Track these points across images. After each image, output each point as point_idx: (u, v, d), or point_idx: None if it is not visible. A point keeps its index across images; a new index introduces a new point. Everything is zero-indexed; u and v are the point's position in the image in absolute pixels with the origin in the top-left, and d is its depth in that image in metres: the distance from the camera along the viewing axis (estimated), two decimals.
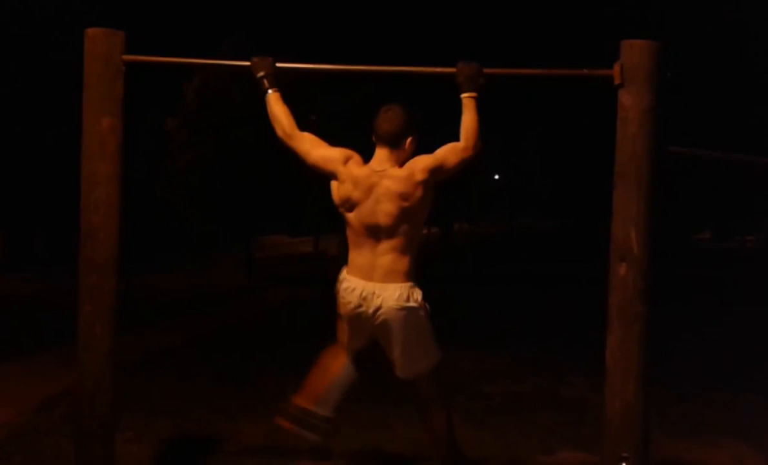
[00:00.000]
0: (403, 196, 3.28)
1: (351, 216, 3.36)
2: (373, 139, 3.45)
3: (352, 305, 3.34)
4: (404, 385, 6.75)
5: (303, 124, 3.54)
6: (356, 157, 3.42)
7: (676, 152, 3.55)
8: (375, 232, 3.31)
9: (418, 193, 3.29)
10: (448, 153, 3.35)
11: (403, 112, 3.46)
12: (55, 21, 19.38)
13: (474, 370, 7.27)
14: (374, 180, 3.33)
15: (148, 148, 19.61)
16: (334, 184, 3.41)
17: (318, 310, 12.22)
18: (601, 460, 3.32)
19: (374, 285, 3.28)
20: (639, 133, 3.23)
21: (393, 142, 3.40)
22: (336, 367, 3.65)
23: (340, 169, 3.37)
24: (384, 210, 3.28)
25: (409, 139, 3.44)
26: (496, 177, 43.52)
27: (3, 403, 5.90)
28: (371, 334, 3.41)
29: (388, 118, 3.42)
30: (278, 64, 3.44)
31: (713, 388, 6.58)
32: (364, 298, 3.30)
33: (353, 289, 3.34)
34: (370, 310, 3.28)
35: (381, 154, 3.41)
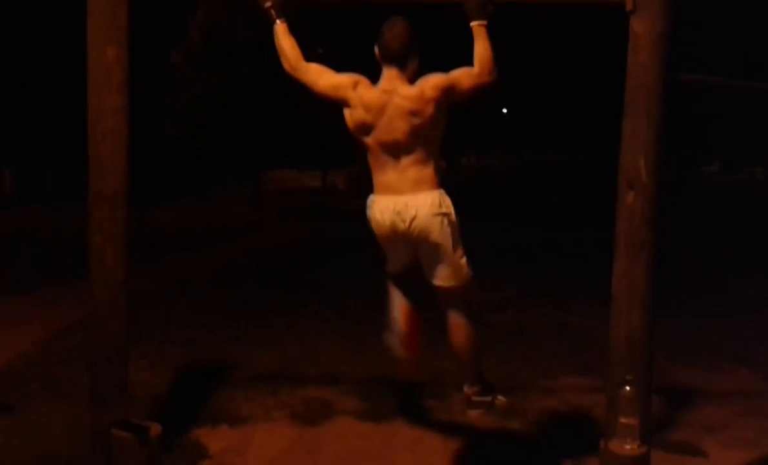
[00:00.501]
0: (414, 114, 3.24)
1: (368, 139, 3.33)
2: (379, 58, 3.36)
3: (387, 223, 3.33)
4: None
5: (310, 57, 3.49)
6: (364, 81, 3.36)
7: (689, 80, 3.53)
8: (394, 150, 3.30)
9: (429, 110, 3.25)
10: (463, 76, 3.29)
11: (408, 27, 3.33)
12: None
13: (480, 300, 7.30)
14: (385, 100, 3.28)
15: (152, 82, 19.50)
16: (346, 111, 3.37)
17: (326, 243, 12.36)
18: (605, 385, 3.38)
19: (406, 197, 3.28)
20: (650, 60, 3.18)
21: (401, 61, 3.31)
22: (402, 316, 3.60)
23: (350, 95, 3.33)
24: (398, 128, 3.26)
25: (416, 56, 3.35)
26: (504, 110, 43.10)
27: (18, 333, 6.03)
28: (411, 249, 3.42)
29: (395, 36, 3.30)
30: None
31: (717, 316, 6.66)
32: (399, 212, 3.29)
33: (385, 207, 3.32)
34: (407, 222, 3.28)
35: (389, 73, 3.32)
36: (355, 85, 3.33)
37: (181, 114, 17.46)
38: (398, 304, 3.60)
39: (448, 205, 3.31)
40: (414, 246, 3.37)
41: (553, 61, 30.82)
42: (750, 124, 22.23)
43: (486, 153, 48.98)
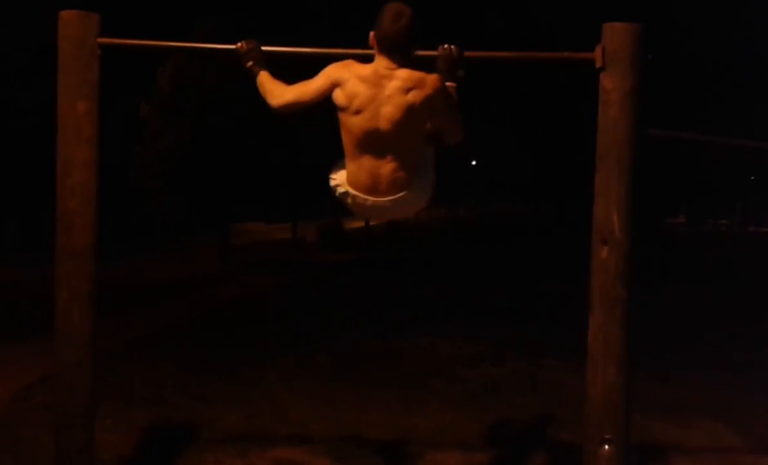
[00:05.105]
0: (410, 103, 2.96)
1: (354, 120, 3.02)
2: (374, 44, 3.06)
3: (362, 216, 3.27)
4: (385, 368, 6.74)
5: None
6: (356, 62, 3.09)
7: (656, 135, 3.56)
8: (376, 142, 3.02)
9: (424, 107, 2.97)
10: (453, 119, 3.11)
11: (413, 18, 3.03)
12: (28, 2, 19.00)
13: (452, 355, 7.30)
14: (379, 79, 2.99)
15: (120, 133, 19.42)
16: (337, 90, 3.05)
17: (295, 296, 12.25)
18: (583, 442, 3.33)
19: (383, 200, 3.07)
20: (620, 116, 3.22)
21: (403, 52, 3.02)
22: None
23: (343, 72, 3.05)
24: (387, 114, 2.99)
25: (415, 48, 3.10)
26: (474, 163, 43.65)
27: None
28: None
29: (401, 28, 2.99)
30: (264, 48, 3.35)
31: (690, 369, 6.67)
32: (374, 216, 3.23)
33: (361, 207, 3.15)
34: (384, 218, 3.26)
35: (383, 62, 3.03)
36: (347, 64, 3.09)
37: (150, 165, 17.36)
38: None
39: (427, 187, 3.19)
40: None
41: (523, 113, 31.37)
42: (716, 177, 22.77)
43: (455, 204, 49.44)
